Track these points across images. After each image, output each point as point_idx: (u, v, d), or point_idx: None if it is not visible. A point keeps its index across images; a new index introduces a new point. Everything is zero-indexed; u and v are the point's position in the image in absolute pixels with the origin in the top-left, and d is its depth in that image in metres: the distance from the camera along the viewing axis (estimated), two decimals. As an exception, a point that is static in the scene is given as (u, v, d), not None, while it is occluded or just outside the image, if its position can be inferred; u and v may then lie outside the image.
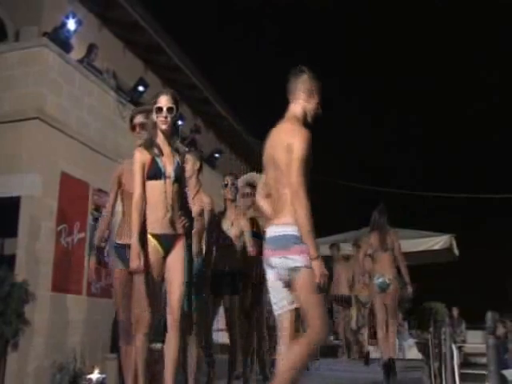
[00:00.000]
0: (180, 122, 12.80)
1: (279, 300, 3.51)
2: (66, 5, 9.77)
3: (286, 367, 3.29)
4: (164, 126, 4.08)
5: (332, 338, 12.86)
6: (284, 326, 3.50)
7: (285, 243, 3.37)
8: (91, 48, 9.80)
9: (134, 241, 3.84)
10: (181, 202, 4.12)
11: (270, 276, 3.52)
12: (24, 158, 7.78)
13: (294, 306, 3.46)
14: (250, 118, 18.32)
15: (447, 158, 35.10)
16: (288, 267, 3.38)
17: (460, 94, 33.60)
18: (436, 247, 13.01)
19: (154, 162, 4.02)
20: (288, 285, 3.45)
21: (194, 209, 4.86)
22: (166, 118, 4.05)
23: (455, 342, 6.91)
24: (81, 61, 9.33)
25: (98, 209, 8.70)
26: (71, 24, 8.74)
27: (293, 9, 37.68)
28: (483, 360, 8.27)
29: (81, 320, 8.21)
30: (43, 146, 7.91)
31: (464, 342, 11.77)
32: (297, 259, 3.34)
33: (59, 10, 9.37)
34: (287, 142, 3.43)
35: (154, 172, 4.00)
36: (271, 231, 3.49)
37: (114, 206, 4.63)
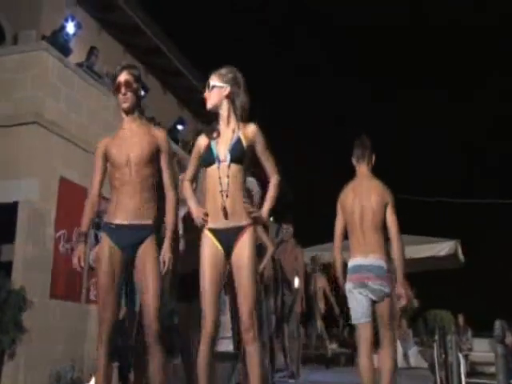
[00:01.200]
0: (180, 127, 12.81)
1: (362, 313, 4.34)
2: (65, 8, 9.80)
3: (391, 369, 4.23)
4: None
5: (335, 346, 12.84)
6: (365, 336, 4.30)
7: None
8: (92, 51, 9.80)
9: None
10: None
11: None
12: (22, 163, 7.75)
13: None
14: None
15: (451, 161, 35.05)
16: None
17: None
18: (441, 253, 12.95)
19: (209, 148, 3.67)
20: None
21: None
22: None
23: (461, 351, 6.87)
24: (80, 64, 9.32)
25: (96, 214, 8.64)
26: (70, 27, 8.76)
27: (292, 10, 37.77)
28: (491, 369, 8.24)
29: (79, 328, 8.17)
30: (42, 150, 7.88)
31: (470, 350, 11.69)
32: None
33: (58, 13, 9.40)
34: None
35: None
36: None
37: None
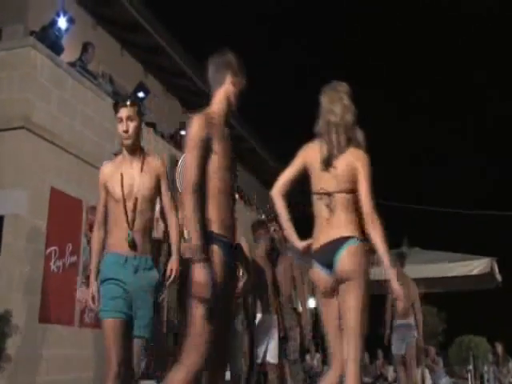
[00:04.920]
0: (184, 132, 12.74)
1: None
2: (56, 1, 9.74)
3: None
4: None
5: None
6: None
7: None
8: (86, 46, 9.73)
9: None
10: None
11: None
12: (8, 173, 7.70)
13: None
14: (262, 130, 18.26)
15: (485, 171, 34.87)
16: None
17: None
18: (475, 272, 12.76)
19: None
20: None
21: None
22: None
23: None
24: (73, 64, 9.27)
25: (92, 228, 8.60)
26: (62, 22, 8.73)
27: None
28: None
29: (73, 354, 8.08)
30: (30, 158, 7.83)
31: (512, 383, 11.47)
32: None
33: (48, 6, 9.35)
34: None
35: None
36: None
37: None
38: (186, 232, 5.21)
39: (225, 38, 31.70)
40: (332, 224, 3.63)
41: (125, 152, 4.14)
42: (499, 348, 13.56)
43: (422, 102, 38.08)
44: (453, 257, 13.01)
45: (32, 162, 7.86)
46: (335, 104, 3.81)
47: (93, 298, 3.99)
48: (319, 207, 3.70)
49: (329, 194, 3.65)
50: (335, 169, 3.66)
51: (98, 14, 11.70)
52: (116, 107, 4.11)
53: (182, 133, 12.95)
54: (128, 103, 4.10)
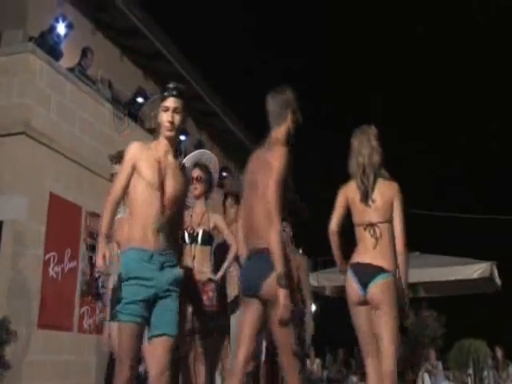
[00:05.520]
0: (183, 137, 12.73)
1: None
2: (55, 6, 9.75)
3: None
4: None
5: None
6: None
7: None
8: (85, 52, 9.74)
9: None
10: None
11: None
12: (7, 178, 7.70)
13: None
14: (262, 134, 18.19)
15: (486, 175, 34.86)
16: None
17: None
18: (474, 276, 12.74)
19: None
20: None
21: None
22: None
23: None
24: (72, 69, 9.28)
25: (91, 235, 8.62)
26: (61, 28, 8.74)
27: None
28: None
29: (72, 360, 8.07)
30: (29, 164, 7.84)
31: (511, 389, 11.44)
32: None
33: (47, 11, 9.36)
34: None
35: None
36: None
37: None
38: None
39: (224, 44, 31.80)
40: (376, 250, 4.14)
41: (164, 141, 3.93)
42: (498, 352, 13.50)
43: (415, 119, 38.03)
44: (453, 261, 12.97)
45: (31, 168, 7.86)
46: (364, 146, 4.30)
47: (103, 256, 3.65)
48: (363, 236, 4.19)
49: (372, 225, 4.17)
50: (374, 202, 4.19)
51: (97, 20, 11.70)
52: (164, 95, 3.94)
53: (182, 138, 12.95)
54: (177, 94, 3.95)
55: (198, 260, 5.28)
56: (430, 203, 25.19)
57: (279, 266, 3.52)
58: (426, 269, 12.15)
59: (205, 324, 5.15)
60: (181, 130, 4.04)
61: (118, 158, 4.65)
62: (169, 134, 3.89)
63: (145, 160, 3.82)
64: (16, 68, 8.05)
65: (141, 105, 10.80)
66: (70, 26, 8.85)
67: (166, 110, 3.90)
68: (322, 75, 40.66)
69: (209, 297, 5.20)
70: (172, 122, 3.87)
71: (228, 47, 31.87)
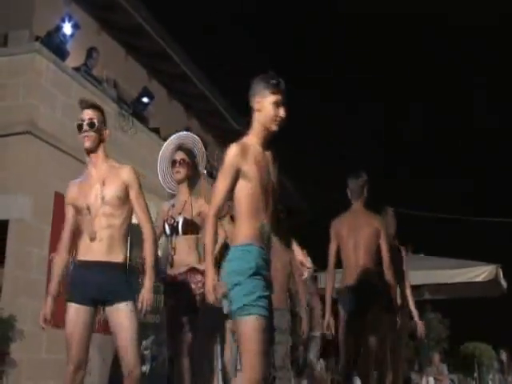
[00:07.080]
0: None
1: None
2: (62, 6, 9.80)
3: None
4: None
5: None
6: None
7: None
8: (91, 52, 9.80)
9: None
10: None
11: None
12: (13, 177, 7.76)
13: None
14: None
15: (493, 178, 34.84)
16: None
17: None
18: (479, 279, 12.75)
19: None
20: None
21: None
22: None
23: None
24: (77, 69, 9.33)
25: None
26: (67, 28, 8.78)
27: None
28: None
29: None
30: (35, 163, 7.89)
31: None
32: None
33: (53, 11, 9.40)
34: None
35: None
36: None
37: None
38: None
39: (228, 43, 31.85)
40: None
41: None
42: (503, 355, 13.50)
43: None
44: (457, 263, 12.98)
45: (36, 167, 7.90)
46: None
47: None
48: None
49: None
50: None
51: (103, 19, 11.73)
52: (273, 88, 3.66)
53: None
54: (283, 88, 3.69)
55: (179, 252, 5.03)
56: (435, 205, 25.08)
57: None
58: (430, 271, 12.16)
59: (196, 320, 4.95)
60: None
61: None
62: (276, 128, 3.75)
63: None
64: (22, 67, 8.11)
65: (146, 104, 10.86)
66: (76, 26, 8.89)
67: (278, 105, 3.69)
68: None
69: (196, 287, 4.93)
70: (285, 118, 3.72)
71: (233, 47, 31.90)
